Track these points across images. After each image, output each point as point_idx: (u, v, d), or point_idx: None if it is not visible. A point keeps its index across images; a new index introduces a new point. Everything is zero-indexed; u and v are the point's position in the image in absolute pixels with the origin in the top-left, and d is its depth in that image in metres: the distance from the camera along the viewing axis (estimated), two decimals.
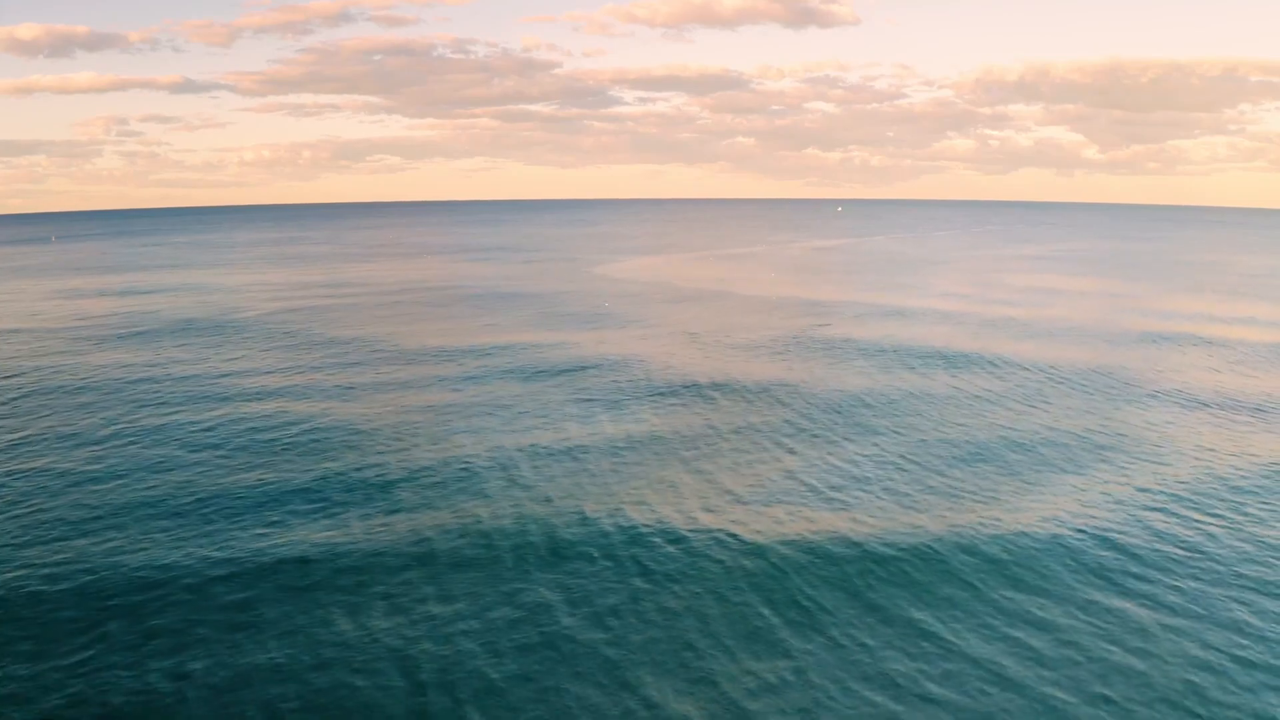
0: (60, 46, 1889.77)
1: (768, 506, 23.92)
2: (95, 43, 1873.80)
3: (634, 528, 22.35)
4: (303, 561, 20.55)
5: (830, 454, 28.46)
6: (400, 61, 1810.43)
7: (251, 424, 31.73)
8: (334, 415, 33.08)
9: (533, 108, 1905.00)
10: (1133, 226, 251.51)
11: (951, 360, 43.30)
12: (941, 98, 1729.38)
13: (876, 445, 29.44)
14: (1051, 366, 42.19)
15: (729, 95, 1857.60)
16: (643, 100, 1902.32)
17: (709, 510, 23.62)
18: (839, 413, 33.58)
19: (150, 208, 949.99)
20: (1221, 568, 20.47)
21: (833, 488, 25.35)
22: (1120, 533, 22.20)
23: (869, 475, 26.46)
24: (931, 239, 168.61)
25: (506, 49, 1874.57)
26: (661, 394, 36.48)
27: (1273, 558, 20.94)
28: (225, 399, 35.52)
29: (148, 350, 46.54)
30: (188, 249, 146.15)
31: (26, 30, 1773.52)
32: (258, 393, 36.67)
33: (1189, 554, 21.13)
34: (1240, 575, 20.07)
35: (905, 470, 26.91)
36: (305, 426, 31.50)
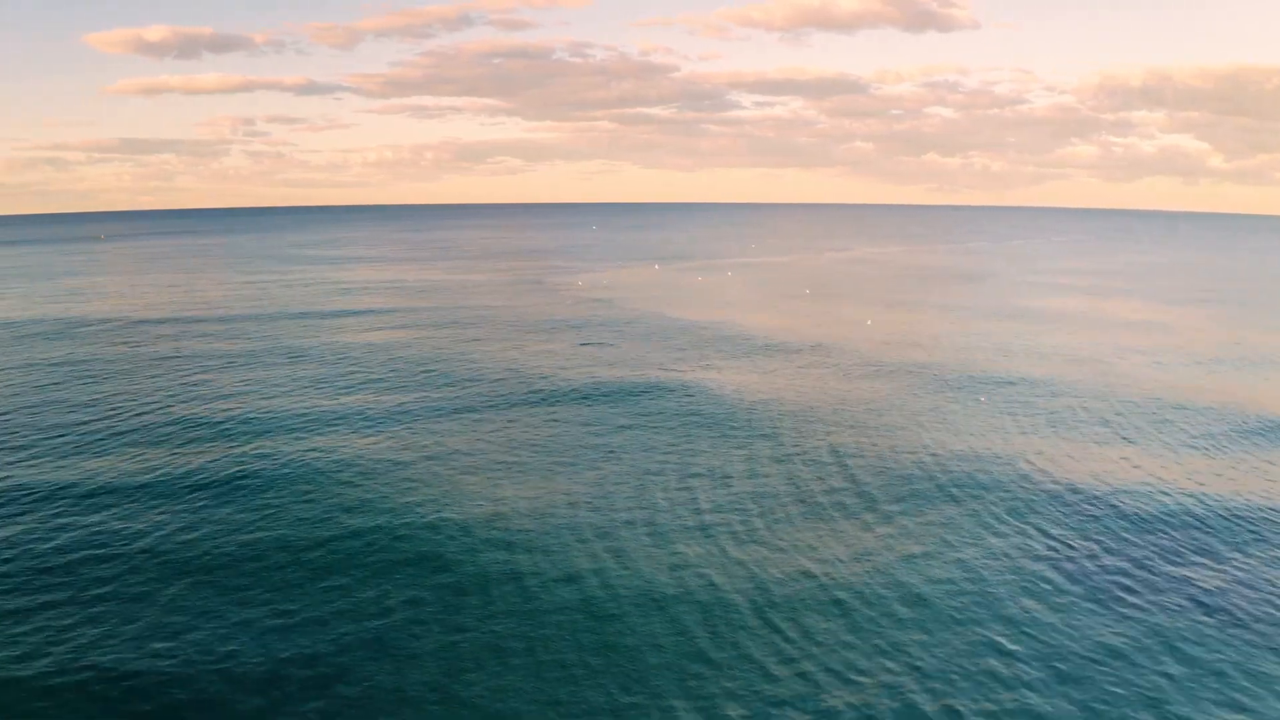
0: (187, 48, 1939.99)
1: None
2: (221, 44, 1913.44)
3: None
4: None
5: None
6: (519, 64, 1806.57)
7: None
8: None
9: (650, 110, 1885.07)
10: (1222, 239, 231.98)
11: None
12: (1063, 103, 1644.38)
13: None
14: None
15: (846, 99, 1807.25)
16: (760, 104, 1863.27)
17: None
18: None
19: (276, 206, 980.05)
20: None
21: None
22: None
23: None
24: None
25: (624, 52, 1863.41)
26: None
27: None
28: None
29: None
30: (205, 253, 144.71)
31: (154, 32, 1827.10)
32: None
33: None
34: None
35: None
36: None
